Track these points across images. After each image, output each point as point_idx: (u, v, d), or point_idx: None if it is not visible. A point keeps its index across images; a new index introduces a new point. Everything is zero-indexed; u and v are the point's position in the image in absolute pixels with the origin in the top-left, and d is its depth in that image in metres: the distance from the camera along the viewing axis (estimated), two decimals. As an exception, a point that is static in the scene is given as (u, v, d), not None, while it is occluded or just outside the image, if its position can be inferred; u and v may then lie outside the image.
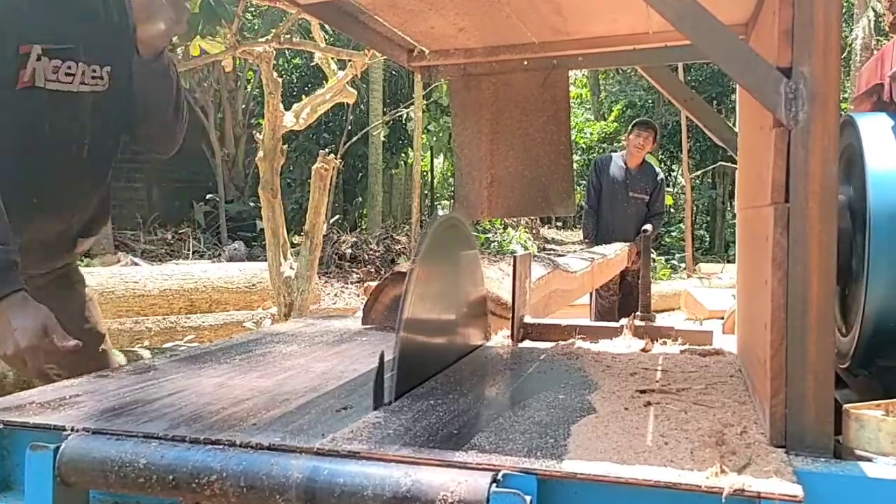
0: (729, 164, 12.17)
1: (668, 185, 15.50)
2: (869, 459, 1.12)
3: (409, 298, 1.49)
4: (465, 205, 2.67)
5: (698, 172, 14.72)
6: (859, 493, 1.05)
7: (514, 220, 13.64)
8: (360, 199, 14.30)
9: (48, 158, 1.97)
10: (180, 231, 12.27)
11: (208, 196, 12.86)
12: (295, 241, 6.54)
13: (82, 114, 1.99)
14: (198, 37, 5.60)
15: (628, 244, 5.13)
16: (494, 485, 1.00)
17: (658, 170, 6.00)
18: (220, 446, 1.14)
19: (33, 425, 1.27)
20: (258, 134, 5.51)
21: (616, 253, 4.67)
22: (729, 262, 11.36)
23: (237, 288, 7.12)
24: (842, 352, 1.80)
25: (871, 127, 1.76)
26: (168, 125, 2.14)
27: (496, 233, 13.10)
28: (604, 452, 1.10)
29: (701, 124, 2.64)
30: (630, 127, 5.91)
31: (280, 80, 5.40)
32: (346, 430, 1.22)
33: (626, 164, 5.76)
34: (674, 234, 14.88)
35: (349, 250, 11.88)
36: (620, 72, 16.35)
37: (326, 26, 5.57)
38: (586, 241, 5.75)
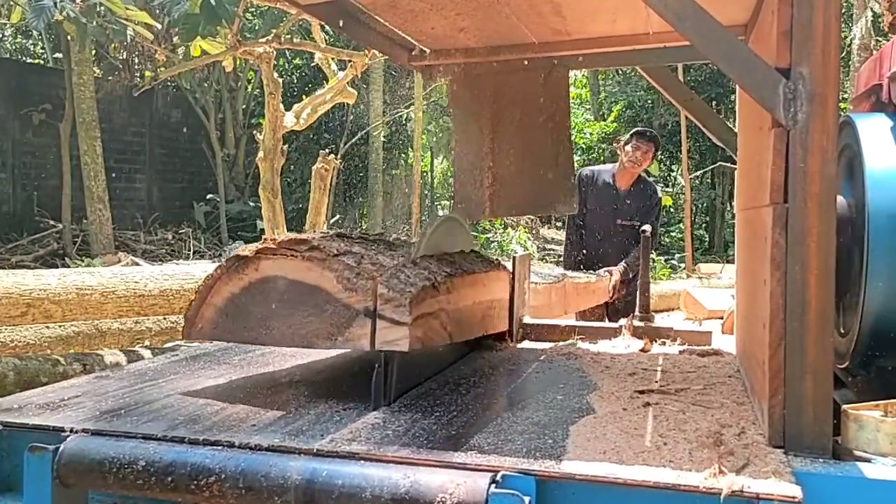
0: (728, 165, 12.17)
1: (667, 186, 15.46)
2: (867, 460, 1.12)
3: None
4: (466, 205, 2.67)
5: (698, 172, 14.69)
6: (858, 493, 1.05)
7: (514, 219, 13.63)
8: (360, 199, 14.30)
9: None
10: (181, 231, 12.26)
11: (209, 196, 12.86)
12: (295, 242, 6.51)
13: None
14: (198, 37, 5.60)
15: (608, 272, 4.26)
16: (493, 486, 1.00)
17: (656, 188, 4.69)
18: (219, 447, 1.14)
19: (32, 426, 1.27)
20: (258, 134, 5.51)
21: (597, 277, 4.06)
22: (728, 262, 11.35)
23: (237, 288, 7.10)
24: (840, 352, 1.80)
25: (870, 127, 1.76)
26: None
27: (496, 233, 13.08)
28: (602, 453, 1.11)
29: (700, 125, 2.64)
30: (627, 136, 4.58)
31: (280, 80, 5.41)
32: (346, 430, 1.22)
33: (614, 182, 4.48)
34: (673, 234, 14.87)
35: (349, 250, 11.83)
36: (620, 72, 16.31)
37: (327, 27, 5.57)
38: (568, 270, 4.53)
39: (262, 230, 6.51)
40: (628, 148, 4.41)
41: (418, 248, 1.63)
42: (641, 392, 1.49)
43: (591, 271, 4.27)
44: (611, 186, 4.47)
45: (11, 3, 9.71)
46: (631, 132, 4.60)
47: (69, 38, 9.31)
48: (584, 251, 4.48)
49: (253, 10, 9.91)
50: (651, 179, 4.79)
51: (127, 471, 1.12)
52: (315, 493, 1.04)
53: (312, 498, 1.04)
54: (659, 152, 4.60)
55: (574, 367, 1.77)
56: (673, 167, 16.25)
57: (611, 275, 4.26)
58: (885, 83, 1.89)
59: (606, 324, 2.30)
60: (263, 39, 5.35)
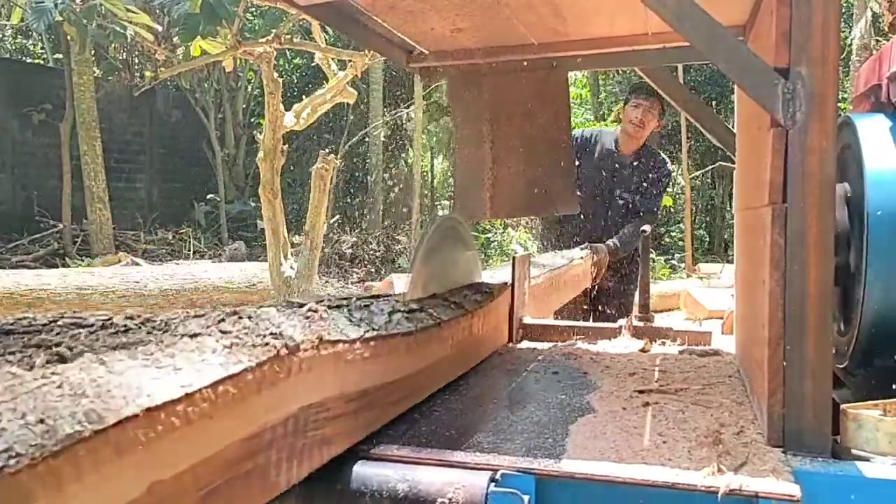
0: (728, 165, 12.18)
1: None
2: (866, 459, 1.13)
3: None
4: (466, 206, 2.67)
5: (698, 173, 14.69)
6: (857, 492, 1.05)
7: (515, 219, 13.65)
8: (360, 199, 14.32)
9: None
10: (181, 231, 12.27)
11: (209, 196, 12.87)
12: (295, 241, 6.54)
13: None
14: (198, 37, 5.60)
15: (586, 251, 3.47)
16: (493, 484, 1.01)
17: (666, 160, 3.90)
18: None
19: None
20: (258, 134, 5.52)
21: (572, 262, 3.16)
22: (728, 262, 11.36)
23: (237, 288, 7.14)
24: (840, 351, 1.80)
25: (869, 127, 1.76)
26: None
27: (496, 233, 13.08)
28: (602, 452, 1.11)
29: (699, 125, 2.64)
30: (626, 96, 3.84)
31: (280, 80, 5.41)
32: (346, 429, 1.21)
33: (617, 147, 3.72)
34: (673, 233, 14.87)
35: (349, 250, 11.89)
36: (620, 72, 16.30)
37: (327, 27, 5.58)
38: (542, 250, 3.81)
39: (263, 230, 6.51)
40: (628, 108, 3.70)
41: (418, 248, 1.63)
42: (641, 392, 1.49)
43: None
44: (613, 152, 3.73)
45: (12, 3, 9.72)
46: (629, 89, 3.84)
47: (69, 38, 9.32)
48: (572, 222, 3.76)
49: (253, 10, 9.91)
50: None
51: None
52: (314, 493, 1.04)
53: (312, 498, 1.04)
54: (664, 111, 3.75)
55: (574, 366, 1.78)
56: (673, 167, 16.25)
57: (592, 252, 3.51)
58: (884, 83, 1.90)
59: (606, 324, 2.30)
60: (263, 39, 5.35)
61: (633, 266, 3.77)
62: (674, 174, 3.94)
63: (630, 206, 3.75)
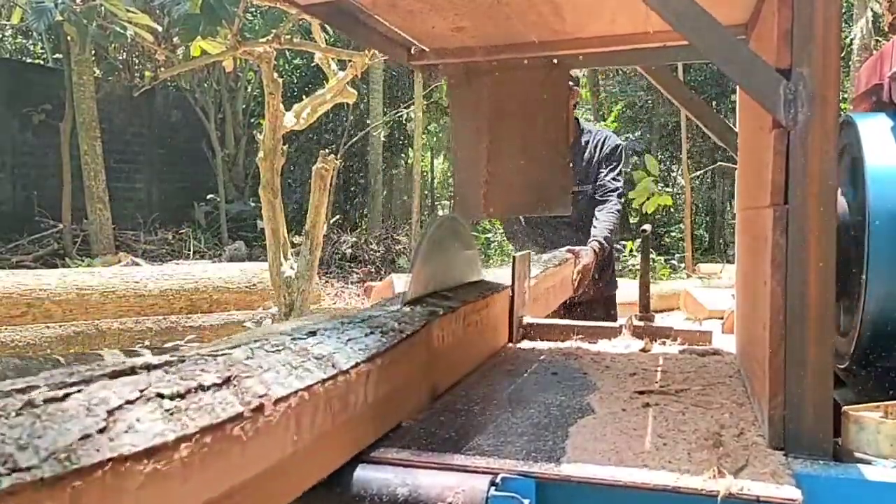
0: (728, 165, 12.15)
1: (667, 186, 15.42)
2: (868, 462, 1.12)
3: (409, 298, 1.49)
4: (464, 205, 2.67)
5: (698, 172, 14.68)
6: (858, 495, 1.05)
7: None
8: (360, 199, 14.32)
9: None
10: (181, 231, 12.27)
11: (209, 196, 12.87)
12: (295, 241, 6.54)
13: None
14: (198, 37, 5.60)
15: (565, 256, 3.08)
16: (493, 488, 1.00)
17: (608, 133, 3.54)
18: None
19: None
20: (258, 134, 5.52)
21: (549, 267, 2.80)
22: (728, 262, 11.35)
23: (237, 288, 7.14)
24: (841, 352, 1.80)
25: (871, 127, 1.76)
26: None
27: (496, 232, 13.08)
28: (602, 455, 1.10)
29: (700, 124, 2.63)
30: None
31: (280, 80, 5.40)
32: (345, 431, 1.20)
33: None
34: (673, 233, 14.87)
35: (349, 250, 11.91)
36: (620, 72, 16.28)
37: (327, 27, 5.57)
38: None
39: (263, 230, 6.51)
40: None
41: (418, 248, 1.62)
42: (641, 392, 1.49)
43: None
44: None
45: (12, 3, 9.72)
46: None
47: (69, 38, 9.32)
48: (535, 229, 3.41)
49: (253, 10, 9.90)
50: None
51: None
52: (314, 497, 1.04)
53: (311, 502, 1.04)
54: (577, 83, 3.31)
55: (574, 367, 1.77)
56: (673, 167, 16.25)
57: (576, 257, 3.12)
58: (885, 83, 1.89)
59: (606, 324, 2.29)
60: (263, 39, 5.35)
61: (607, 267, 3.41)
62: (618, 142, 3.44)
63: (590, 194, 3.36)
